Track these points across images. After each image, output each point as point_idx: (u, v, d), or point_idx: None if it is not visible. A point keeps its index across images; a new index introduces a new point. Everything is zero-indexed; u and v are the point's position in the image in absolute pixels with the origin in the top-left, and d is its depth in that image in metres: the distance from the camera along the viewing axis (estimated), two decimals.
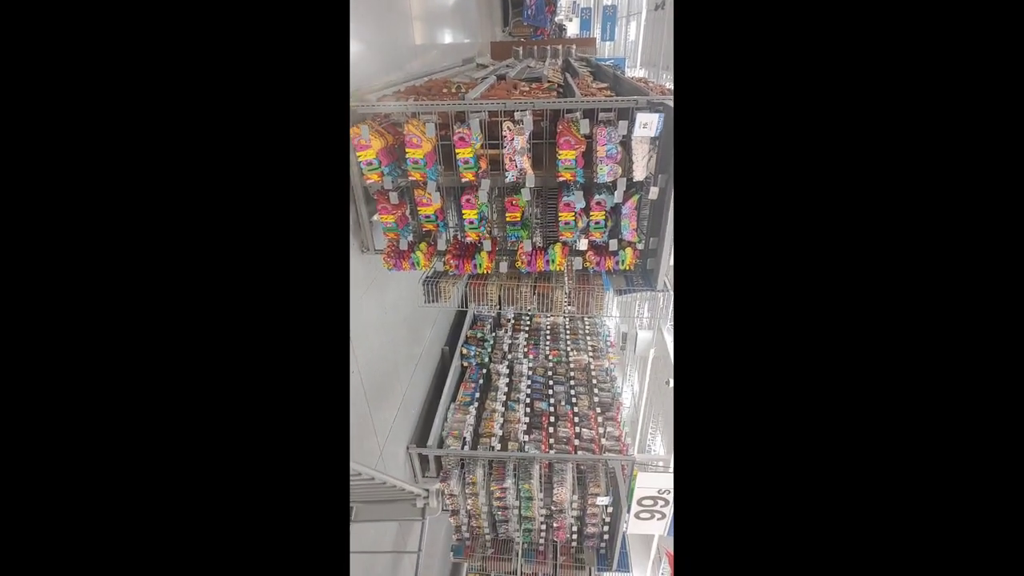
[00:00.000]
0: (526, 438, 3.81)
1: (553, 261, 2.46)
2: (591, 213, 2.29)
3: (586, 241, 2.37)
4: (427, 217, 2.28)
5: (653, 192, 2.14)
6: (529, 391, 4.19)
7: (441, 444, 3.70)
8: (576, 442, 3.89)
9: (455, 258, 2.43)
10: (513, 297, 2.52)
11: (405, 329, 3.48)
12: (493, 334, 4.63)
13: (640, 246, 2.39)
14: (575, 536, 4.21)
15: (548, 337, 4.80)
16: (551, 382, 4.36)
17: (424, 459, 3.71)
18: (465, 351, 4.39)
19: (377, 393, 2.95)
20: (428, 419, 3.86)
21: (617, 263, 2.45)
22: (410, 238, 2.41)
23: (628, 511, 4.36)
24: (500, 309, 2.46)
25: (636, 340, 6.96)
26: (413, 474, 3.73)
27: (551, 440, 3.87)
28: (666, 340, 6.23)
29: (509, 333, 4.71)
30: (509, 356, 4.43)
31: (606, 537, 4.25)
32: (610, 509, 3.99)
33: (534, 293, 2.66)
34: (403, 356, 3.48)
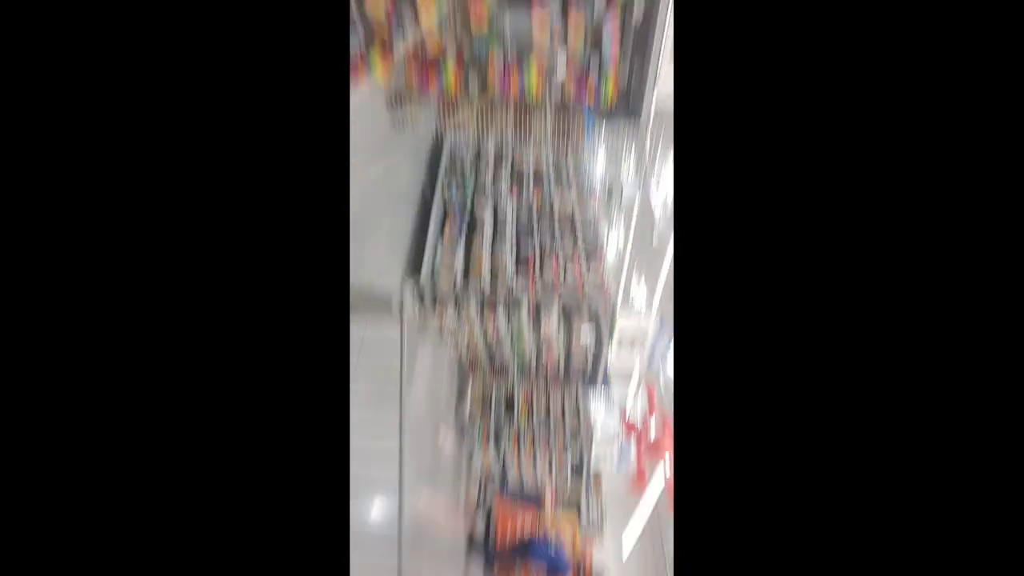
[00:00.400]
0: (514, 278, 4.10)
1: (530, 88, 2.41)
2: (568, 26, 2.20)
3: (564, 59, 2.30)
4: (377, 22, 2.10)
5: (637, 13, 2.03)
6: (515, 235, 4.39)
7: (434, 277, 3.97)
8: (561, 283, 4.20)
9: (417, 74, 2.35)
10: (490, 123, 2.51)
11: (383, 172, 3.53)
12: (473, 174, 4.69)
13: (624, 76, 2.29)
14: (562, 365, 4.76)
15: (531, 181, 4.88)
16: (534, 225, 4.55)
17: (418, 292, 4.03)
18: (446, 193, 4.49)
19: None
20: (419, 251, 4.08)
21: (599, 97, 2.40)
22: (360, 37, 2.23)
23: (609, 344, 4.88)
24: (478, 138, 2.45)
25: (621, 195, 7.06)
26: (417, 310, 4.08)
27: (537, 283, 4.17)
28: (650, 198, 6.34)
29: (491, 171, 4.77)
30: (492, 199, 4.56)
31: (590, 368, 4.81)
32: (593, 346, 4.44)
33: (514, 123, 2.65)
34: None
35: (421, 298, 3.90)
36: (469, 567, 4.76)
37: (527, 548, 4.36)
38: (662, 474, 5.75)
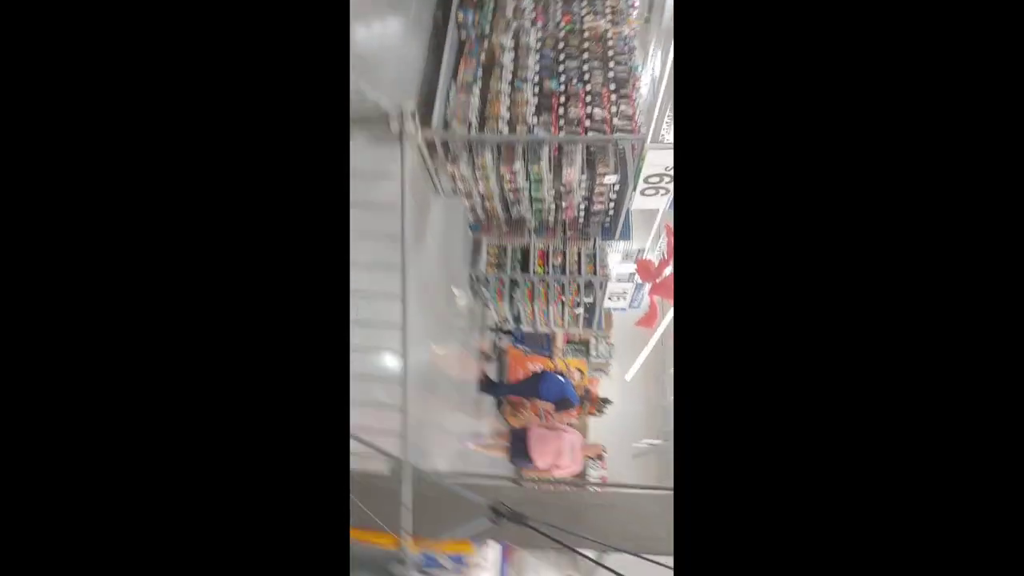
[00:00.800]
0: (535, 120, 3.62)
1: None
2: None
3: None
4: None
5: None
6: (538, 68, 3.75)
7: (446, 127, 3.55)
8: (587, 123, 3.72)
9: None
10: None
11: None
12: None
13: None
14: (583, 214, 4.54)
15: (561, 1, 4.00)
16: (562, 55, 3.86)
17: (431, 144, 3.64)
18: (461, 17, 3.73)
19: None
20: (429, 101, 3.60)
21: None
22: None
23: (634, 188, 4.57)
24: None
25: (664, 9, 5.87)
26: (422, 159, 3.73)
27: (561, 122, 3.69)
28: None
29: None
30: (514, 24, 3.79)
31: (611, 213, 4.58)
32: (617, 187, 4.14)
33: None
34: None
35: (432, 146, 3.52)
36: (480, 406, 5.33)
37: (537, 380, 4.77)
38: (672, 311, 5.97)
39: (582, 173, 3.93)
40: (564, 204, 4.29)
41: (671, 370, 9.32)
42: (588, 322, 5.78)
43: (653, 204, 5.67)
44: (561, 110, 3.72)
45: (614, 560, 1.62)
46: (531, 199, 4.22)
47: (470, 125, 3.53)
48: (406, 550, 0.67)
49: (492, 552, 1.90)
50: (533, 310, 5.31)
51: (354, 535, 0.76)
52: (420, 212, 3.65)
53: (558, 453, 3.96)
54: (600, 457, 4.24)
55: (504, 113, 3.57)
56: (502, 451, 4.40)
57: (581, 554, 1.68)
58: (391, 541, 0.70)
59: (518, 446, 4.16)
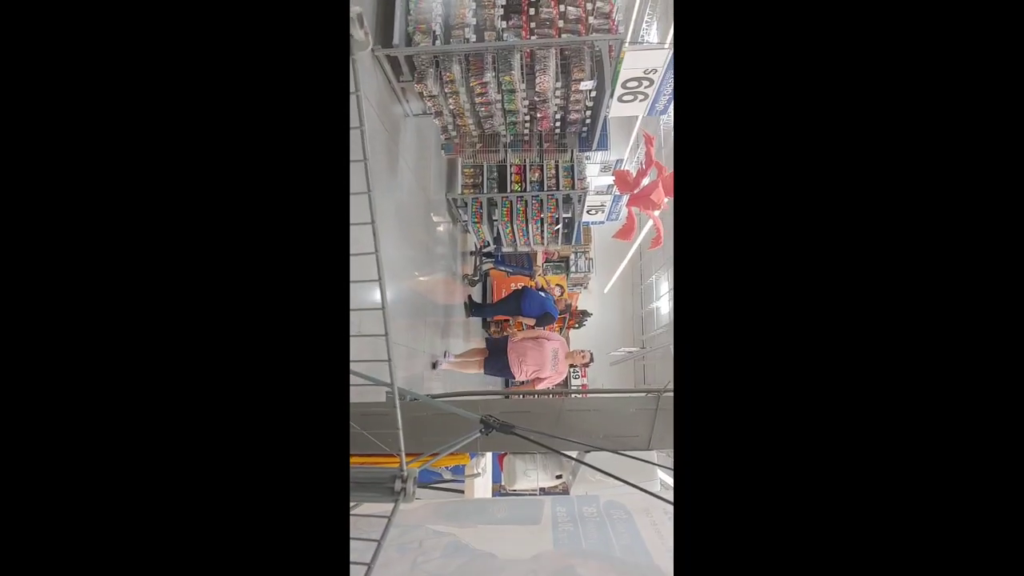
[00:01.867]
0: (504, 24, 3.35)
1: None
2: None
3: None
4: None
5: None
6: None
7: (409, 42, 3.28)
8: (560, 24, 3.45)
9: None
10: None
11: None
12: None
13: None
14: (558, 124, 4.38)
15: None
16: None
17: (394, 61, 3.38)
18: None
19: None
20: (388, 14, 3.28)
21: None
22: None
23: (611, 95, 4.37)
24: None
25: None
26: (387, 80, 3.48)
27: (532, 25, 3.42)
28: None
29: None
30: None
31: (588, 122, 4.42)
32: (593, 94, 3.96)
33: None
34: None
35: (395, 63, 3.26)
36: (468, 329, 5.44)
37: (519, 298, 4.84)
38: (650, 223, 6.03)
39: (557, 80, 3.72)
40: (539, 115, 4.11)
41: (647, 281, 9.61)
42: (567, 238, 5.82)
43: (631, 111, 5.48)
44: (532, 10, 3.43)
45: (595, 458, 1.80)
46: (504, 112, 4.03)
47: (435, 36, 3.26)
48: (404, 466, 0.74)
49: (485, 460, 2.09)
50: (513, 230, 5.29)
51: (360, 461, 0.83)
52: (390, 136, 3.47)
53: (540, 364, 3.76)
54: (586, 365, 4.03)
55: (470, 19, 3.29)
56: (477, 366, 4.14)
57: (566, 455, 1.85)
58: (394, 462, 0.78)
59: (495, 360, 3.94)
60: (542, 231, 5.43)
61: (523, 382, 3.90)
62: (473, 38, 3.30)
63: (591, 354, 3.97)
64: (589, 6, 3.55)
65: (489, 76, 3.51)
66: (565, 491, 2.87)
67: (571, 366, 4.04)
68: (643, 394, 1.92)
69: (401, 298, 3.67)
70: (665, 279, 8.60)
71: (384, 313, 0.78)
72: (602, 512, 1.61)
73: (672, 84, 4.76)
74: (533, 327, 4.54)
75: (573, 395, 4.72)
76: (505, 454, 2.94)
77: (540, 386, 3.78)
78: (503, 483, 2.90)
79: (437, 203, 4.68)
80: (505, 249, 5.91)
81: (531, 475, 2.65)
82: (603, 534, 1.46)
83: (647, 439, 1.85)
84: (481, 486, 2.03)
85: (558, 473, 2.79)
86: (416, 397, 1.56)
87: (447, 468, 1.99)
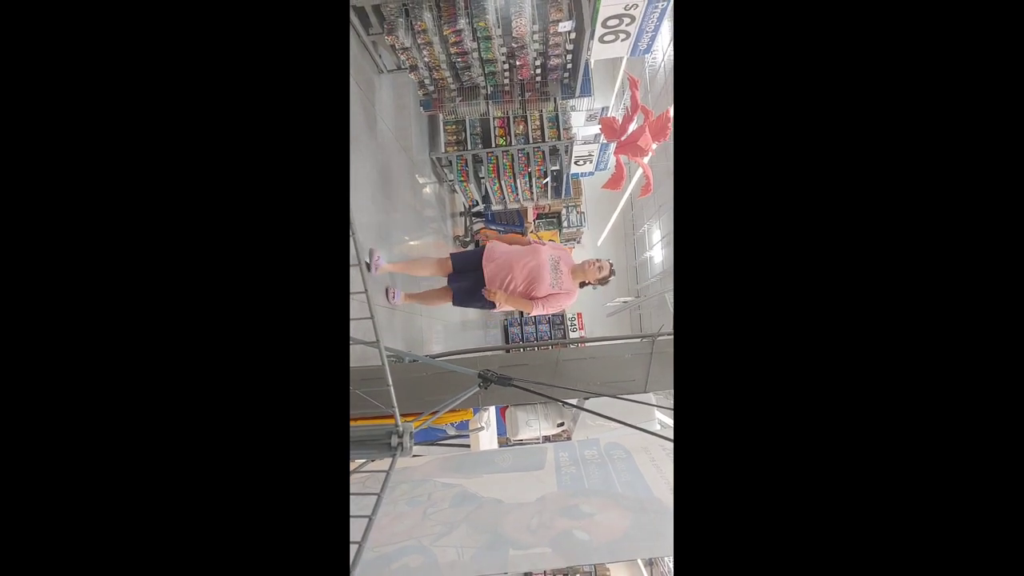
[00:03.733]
0: None
1: None
2: None
3: None
4: None
5: None
6: None
7: None
8: None
9: None
10: None
11: None
12: None
13: None
14: (539, 71, 4.21)
15: None
16: None
17: (361, 12, 3.20)
18: None
19: None
20: None
21: None
22: None
23: (592, 35, 4.18)
24: None
25: None
26: (355, 34, 3.30)
27: None
28: None
29: None
30: None
31: (569, 67, 4.26)
32: (573, 35, 3.79)
33: None
34: None
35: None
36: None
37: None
38: (640, 171, 5.93)
39: (534, 24, 3.55)
40: (518, 63, 3.95)
41: (640, 231, 9.57)
42: (557, 192, 5.73)
43: (614, 51, 5.26)
44: None
45: (595, 404, 1.84)
46: (482, 61, 3.87)
47: None
48: (399, 421, 0.75)
49: (488, 414, 2.14)
50: (501, 187, 5.19)
51: (364, 422, 0.85)
52: (365, 95, 3.33)
53: (533, 277, 2.47)
54: (604, 280, 2.59)
55: None
56: (443, 298, 2.87)
57: (566, 403, 1.89)
58: (391, 420, 0.79)
59: (464, 281, 2.64)
60: (531, 186, 5.34)
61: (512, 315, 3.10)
62: None
63: (611, 265, 2.59)
64: None
65: (463, 23, 3.34)
66: (568, 438, 2.95)
67: (582, 284, 2.60)
68: (638, 339, 1.95)
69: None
70: (657, 228, 8.57)
71: (361, 269, 0.77)
72: (603, 453, 1.66)
73: (655, 18, 4.54)
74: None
75: (570, 345, 4.78)
76: (507, 407, 3.00)
77: (537, 310, 2.50)
78: (507, 435, 2.99)
79: (421, 163, 4.56)
80: (495, 207, 5.82)
81: (533, 425, 2.71)
82: (604, 473, 1.51)
83: (644, 382, 1.89)
84: (486, 440, 2.09)
85: (559, 421, 2.86)
86: (415, 358, 1.57)
87: (451, 424, 2.03)
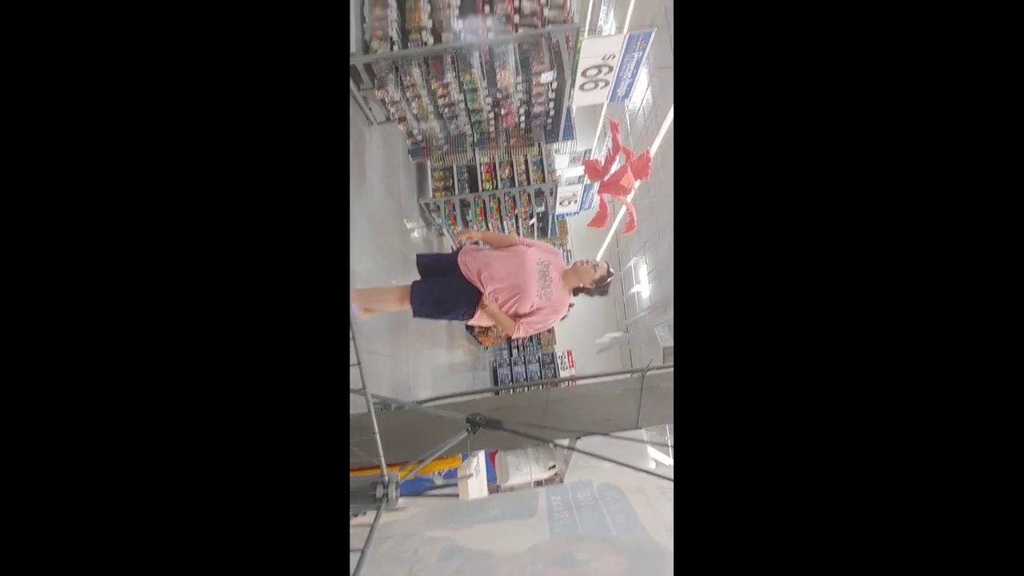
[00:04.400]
0: (460, 25, 3.34)
1: None
2: None
3: None
4: None
5: None
6: None
7: (367, 50, 3.24)
8: (516, 19, 3.46)
9: None
10: None
11: None
12: None
13: None
14: (523, 118, 4.38)
15: None
16: None
17: (353, 70, 3.34)
18: None
19: None
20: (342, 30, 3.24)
21: None
22: None
23: (573, 85, 4.39)
24: None
25: None
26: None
27: (488, 22, 3.42)
28: None
29: None
30: None
31: (552, 114, 4.44)
32: (555, 85, 3.97)
33: None
34: None
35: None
36: (451, 328, 5.38)
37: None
38: (624, 209, 6.07)
39: (517, 75, 3.73)
40: (503, 111, 4.11)
41: (627, 266, 9.71)
42: (543, 231, 5.84)
43: (594, 98, 5.50)
44: (487, 8, 3.43)
45: (587, 443, 1.82)
46: (468, 111, 4.02)
47: (392, 42, 3.24)
48: (385, 472, 0.74)
49: (478, 460, 2.09)
50: (488, 229, 5.29)
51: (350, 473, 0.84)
52: (356, 146, 3.44)
53: (518, 282, 2.04)
54: (601, 285, 2.21)
55: (427, 22, 3.27)
56: (400, 302, 2.14)
57: (557, 444, 1.87)
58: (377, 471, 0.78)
59: (432, 287, 2.12)
60: (518, 227, 5.44)
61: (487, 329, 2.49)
62: (431, 40, 3.29)
63: (608, 266, 2.19)
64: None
65: (450, 76, 3.50)
66: (560, 481, 2.88)
67: (576, 291, 2.20)
68: (627, 375, 1.94)
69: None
70: (643, 263, 8.69)
71: (349, 313, 0.78)
72: (596, 495, 1.63)
73: (631, 66, 4.78)
74: None
75: (561, 384, 4.74)
76: (496, 452, 2.94)
77: (522, 327, 2.08)
78: (497, 482, 2.90)
79: (409, 209, 4.65)
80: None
81: (524, 469, 2.65)
82: (598, 517, 1.48)
83: (636, 417, 1.87)
84: (476, 487, 2.04)
85: (551, 464, 2.80)
86: (401, 405, 1.55)
87: (439, 473, 1.99)
